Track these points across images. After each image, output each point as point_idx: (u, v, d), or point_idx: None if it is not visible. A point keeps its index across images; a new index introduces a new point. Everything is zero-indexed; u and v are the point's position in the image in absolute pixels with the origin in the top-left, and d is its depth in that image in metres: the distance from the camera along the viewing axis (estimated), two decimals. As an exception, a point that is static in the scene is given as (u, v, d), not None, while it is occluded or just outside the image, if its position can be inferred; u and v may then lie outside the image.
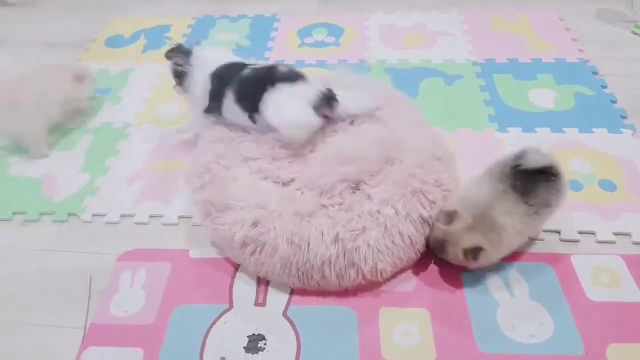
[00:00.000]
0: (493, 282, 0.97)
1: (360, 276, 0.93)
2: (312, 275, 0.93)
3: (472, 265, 0.94)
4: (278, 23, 1.81)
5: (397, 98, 1.26)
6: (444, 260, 0.97)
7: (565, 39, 1.62)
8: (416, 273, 1.00)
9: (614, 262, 1.00)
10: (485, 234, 0.90)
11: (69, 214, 1.18)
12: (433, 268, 1.00)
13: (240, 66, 1.13)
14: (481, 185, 0.95)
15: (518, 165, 0.92)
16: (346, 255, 0.92)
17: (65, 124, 1.41)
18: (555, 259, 1.00)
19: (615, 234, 1.04)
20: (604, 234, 1.05)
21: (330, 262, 0.91)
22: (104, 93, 1.54)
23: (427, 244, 0.99)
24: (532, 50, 1.57)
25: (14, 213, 1.19)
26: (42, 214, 1.19)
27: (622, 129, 1.28)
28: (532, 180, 0.92)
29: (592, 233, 1.05)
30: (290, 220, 0.93)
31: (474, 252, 0.89)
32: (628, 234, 1.05)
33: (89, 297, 1.01)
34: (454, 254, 0.92)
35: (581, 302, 0.93)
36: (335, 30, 1.74)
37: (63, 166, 1.30)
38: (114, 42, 1.80)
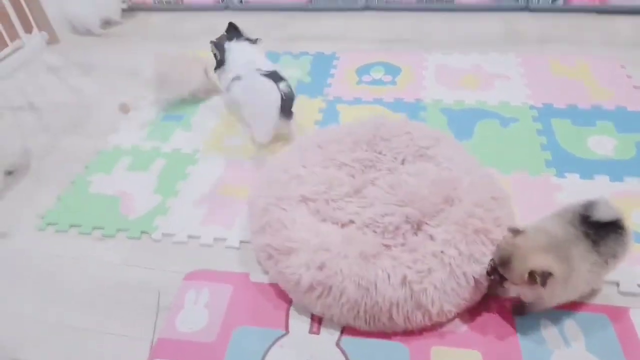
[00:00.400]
0: (547, 330, 0.97)
1: (427, 318, 0.95)
2: (379, 318, 0.95)
3: (530, 296, 0.91)
4: (337, 61, 1.90)
5: (444, 138, 1.29)
6: (501, 287, 0.93)
7: (626, 87, 1.60)
8: (470, 314, 1.01)
9: (676, 319, 0.97)
10: (557, 261, 0.85)
11: (142, 232, 1.28)
12: (488, 310, 1.01)
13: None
14: (554, 223, 0.94)
15: (589, 216, 0.92)
16: (413, 297, 0.93)
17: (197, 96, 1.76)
18: (613, 312, 0.99)
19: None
20: (666, 289, 1.02)
21: (398, 305, 0.93)
22: (176, 120, 1.68)
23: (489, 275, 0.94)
24: (591, 97, 1.56)
25: (94, 228, 1.32)
26: (118, 230, 1.30)
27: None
28: (603, 231, 0.91)
29: (652, 287, 1.03)
30: (355, 262, 0.96)
31: (543, 276, 0.83)
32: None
33: (157, 312, 1.09)
34: (519, 273, 0.86)
35: (638, 358, 0.91)
36: (393, 69, 1.81)
37: (138, 186, 1.43)
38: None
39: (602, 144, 1.39)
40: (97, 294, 1.15)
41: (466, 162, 1.18)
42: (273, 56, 1.99)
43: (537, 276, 0.84)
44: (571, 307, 1.00)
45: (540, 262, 0.85)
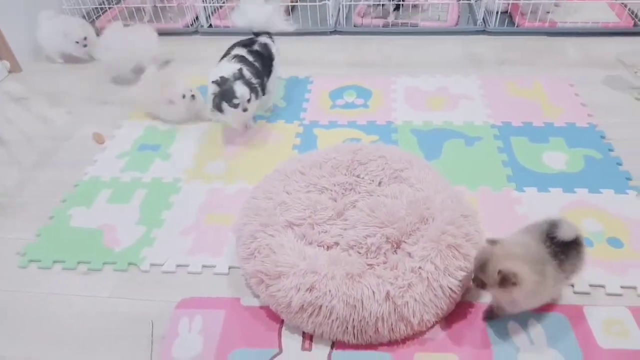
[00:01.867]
0: (514, 331, 1.08)
1: (409, 328, 1.04)
2: (366, 331, 1.03)
3: (504, 299, 0.99)
4: (311, 85, 1.99)
5: (416, 160, 1.38)
6: (478, 287, 1.01)
7: (575, 104, 1.76)
8: (447, 321, 1.10)
9: (622, 313, 1.10)
10: (531, 272, 0.94)
11: (129, 264, 1.30)
12: (462, 318, 1.11)
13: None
14: (527, 238, 1.02)
15: (554, 236, 1.00)
16: (397, 310, 1.02)
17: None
18: (570, 310, 1.11)
19: (623, 287, 1.15)
20: (613, 287, 1.15)
21: (383, 319, 1.01)
22: (153, 149, 1.71)
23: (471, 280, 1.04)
24: (545, 115, 1.72)
25: (79, 262, 1.32)
26: (104, 263, 1.31)
27: (627, 190, 1.40)
28: (566, 249, 1.01)
29: (602, 286, 1.15)
30: (342, 282, 1.04)
31: (512, 277, 0.91)
32: (634, 288, 1.15)
33: (152, 341, 1.12)
34: (492, 276, 0.94)
35: (593, 350, 1.03)
36: (364, 93, 1.91)
37: (121, 218, 1.44)
38: (161, 100, 1.98)
39: (555, 159, 1.53)
40: (88, 329, 1.16)
41: (437, 183, 1.28)
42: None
43: (507, 277, 0.92)
44: (534, 310, 1.10)
45: (509, 265, 0.94)
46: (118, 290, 1.25)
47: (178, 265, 1.29)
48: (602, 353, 1.02)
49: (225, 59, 1.69)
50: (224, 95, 1.55)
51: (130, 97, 1.90)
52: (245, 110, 1.57)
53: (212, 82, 1.57)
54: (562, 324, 1.08)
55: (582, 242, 1.04)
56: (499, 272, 0.93)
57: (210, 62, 1.91)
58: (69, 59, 2.28)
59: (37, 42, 2.25)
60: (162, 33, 2.47)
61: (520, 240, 1.02)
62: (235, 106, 1.55)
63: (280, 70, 2.09)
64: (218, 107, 1.58)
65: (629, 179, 1.44)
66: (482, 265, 0.98)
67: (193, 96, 1.76)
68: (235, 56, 1.66)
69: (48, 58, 2.29)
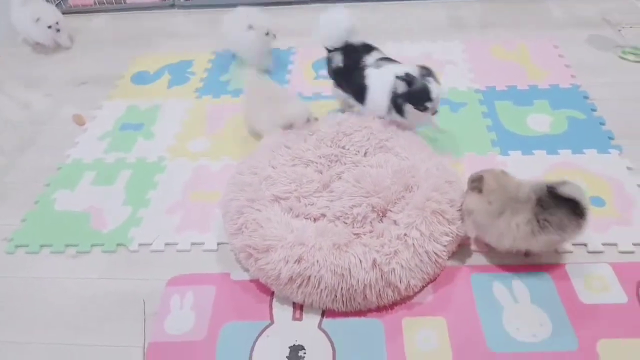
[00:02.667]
0: (499, 290, 1.11)
1: (396, 294, 1.06)
2: (355, 299, 1.05)
3: (471, 205, 1.10)
4: (294, 56, 1.95)
5: (401, 129, 1.37)
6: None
7: (559, 66, 1.75)
8: (434, 286, 1.13)
9: (603, 269, 1.13)
10: (493, 197, 1.05)
11: (117, 245, 1.30)
12: (449, 282, 1.13)
13: None
14: (520, 181, 1.10)
15: (554, 188, 1.04)
16: (384, 277, 1.04)
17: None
18: (552, 268, 1.14)
19: (604, 244, 1.18)
20: (594, 244, 1.18)
21: (370, 285, 1.03)
22: (136, 129, 1.68)
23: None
24: (529, 77, 1.71)
25: (66, 245, 1.32)
26: (92, 245, 1.31)
27: (610, 150, 1.42)
28: (558, 202, 1.03)
29: (584, 244, 1.18)
30: (329, 252, 1.05)
31: (478, 180, 1.07)
32: (615, 244, 1.18)
33: (145, 319, 1.13)
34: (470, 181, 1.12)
35: (575, 305, 1.07)
36: (347, 63, 1.87)
37: (106, 200, 1.43)
38: (140, 78, 1.94)
39: (539, 121, 1.53)
40: (80, 310, 1.17)
41: (421, 151, 1.29)
42: (228, 55, 1.99)
43: (476, 179, 1.08)
44: (517, 268, 1.14)
45: (482, 173, 1.09)
46: (108, 271, 1.25)
47: (167, 244, 1.29)
48: (583, 308, 1.06)
49: (374, 64, 1.42)
50: (412, 95, 1.29)
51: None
52: (435, 113, 1.35)
53: (398, 77, 1.30)
54: (545, 282, 1.11)
55: (582, 211, 1.03)
56: (471, 176, 1.10)
57: (188, 37, 1.89)
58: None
59: (11, 27, 2.17)
60: (136, 7, 2.40)
61: (513, 178, 1.10)
62: (425, 109, 1.31)
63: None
64: (398, 109, 1.33)
65: (611, 138, 1.46)
66: (473, 179, 1.12)
67: (316, 119, 1.45)
68: (386, 58, 1.44)
69: (25, 41, 2.22)
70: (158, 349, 1.07)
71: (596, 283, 1.10)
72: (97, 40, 2.23)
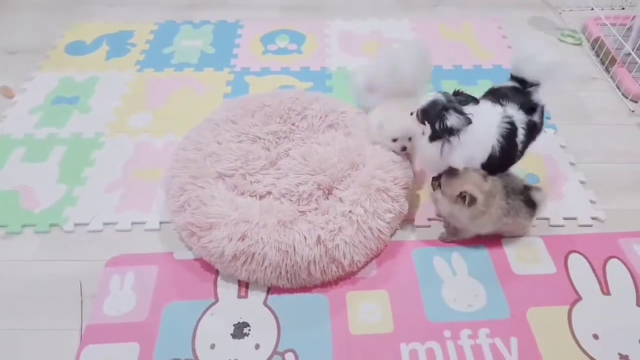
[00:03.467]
0: (439, 264, 1.15)
1: (340, 269, 1.07)
2: (299, 275, 1.05)
3: (451, 211, 1.11)
4: (241, 29, 1.89)
5: (351, 109, 1.36)
6: (433, 192, 1.15)
7: (502, 47, 1.81)
8: (378, 261, 1.15)
9: (535, 242, 1.20)
10: (482, 201, 1.06)
11: (51, 225, 1.23)
12: (392, 257, 1.16)
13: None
14: (498, 180, 1.11)
15: (529, 190, 1.13)
16: (328, 253, 1.04)
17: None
18: (489, 242, 1.19)
19: (537, 219, 1.23)
20: (529, 219, 1.24)
21: (315, 262, 1.04)
22: (70, 102, 1.58)
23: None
24: (474, 58, 1.75)
25: (-5, 226, 1.23)
26: (23, 225, 1.23)
27: (545, 129, 1.48)
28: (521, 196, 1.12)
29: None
30: (274, 230, 1.04)
31: (470, 199, 1.04)
32: (547, 219, 1.25)
33: (82, 301, 1.08)
34: (453, 189, 1.07)
35: (508, 276, 1.13)
36: (298, 37, 1.84)
37: (38, 178, 1.34)
38: (75, 48, 1.81)
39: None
40: (14, 293, 1.11)
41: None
42: (171, 26, 1.91)
43: (466, 196, 1.05)
44: (457, 243, 1.19)
45: (472, 190, 1.05)
46: (41, 253, 1.18)
47: (105, 224, 1.23)
48: (515, 278, 1.12)
49: None
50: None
51: None
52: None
53: None
54: (482, 256, 1.17)
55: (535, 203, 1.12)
56: (461, 193, 1.05)
57: (128, 5, 1.76)
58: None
59: None
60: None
61: (493, 178, 1.10)
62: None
63: (208, 13, 1.97)
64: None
65: (547, 117, 1.52)
66: (452, 174, 1.09)
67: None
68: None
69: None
70: (96, 331, 1.03)
71: (528, 255, 1.17)
72: (28, 6, 2.04)
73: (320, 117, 1.33)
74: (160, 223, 1.23)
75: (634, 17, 1.73)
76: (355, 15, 1.97)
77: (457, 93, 1.11)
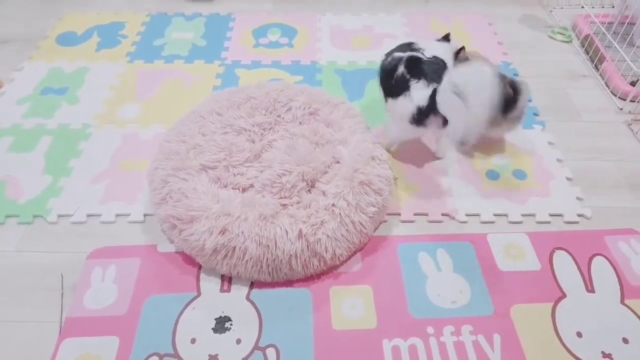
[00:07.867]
0: (424, 260, 1.14)
1: (322, 263, 1.06)
2: (281, 269, 1.04)
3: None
4: (233, 22, 1.87)
5: (338, 101, 1.37)
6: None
7: (492, 43, 1.80)
8: (361, 255, 1.15)
9: (521, 238, 1.20)
10: None
11: (34, 216, 1.22)
12: (377, 251, 1.15)
13: None
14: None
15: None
16: (309, 247, 1.04)
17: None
18: (474, 238, 1.19)
19: (523, 215, 1.24)
20: (514, 215, 1.24)
21: (296, 256, 1.03)
22: (59, 93, 1.56)
23: None
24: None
25: (-23, 216, 1.22)
26: (6, 216, 1.22)
27: (534, 125, 1.49)
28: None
29: (505, 215, 1.24)
30: (255, 224, 1.03)
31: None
32: (533, 215, 1.25)
33: (62, 293, 1.08)
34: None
35: (493, 272, 1.13)
36: (289, 31, 1.83)
37: (24, 168, 1.33)
38: (66, 39, 1.79)
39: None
40: (-7, 284, 1.10)
41: (355, 123, 1.28)
42: (163, 18, 1.89)
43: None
44: (442, 238, 1.19)
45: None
46: (24, 244, 1.17)
47: (89, 215, 1.22)
48: (500, 275, 1.12)
49: None
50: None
51: None
52: None
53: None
54: (467, 251, 1.16)
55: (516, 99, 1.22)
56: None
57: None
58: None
59: None
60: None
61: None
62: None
63: (200, 6, 1.96)
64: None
65: (536, 114, 1.52)
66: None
67: None
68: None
69: None
70: (75, 323, 1.02)
71: (513, 251, 1.16)
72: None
73: (304, 109, 1.32)
74: (145, 215, 1.22)
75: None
76: (347, 10, 1.95)
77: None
